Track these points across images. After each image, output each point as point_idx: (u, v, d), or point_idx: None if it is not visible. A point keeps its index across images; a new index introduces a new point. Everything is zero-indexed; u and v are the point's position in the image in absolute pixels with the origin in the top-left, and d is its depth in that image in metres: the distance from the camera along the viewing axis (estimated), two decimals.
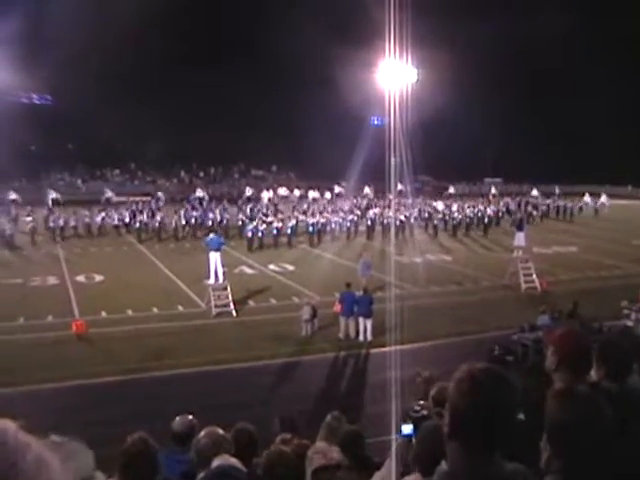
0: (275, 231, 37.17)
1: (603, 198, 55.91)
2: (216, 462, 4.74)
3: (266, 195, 49.20)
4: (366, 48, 46.08)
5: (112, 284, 26.43)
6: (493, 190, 54.30)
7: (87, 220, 39.45)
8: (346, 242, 38.34)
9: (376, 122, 56.97)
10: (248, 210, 41.76)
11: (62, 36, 46.92)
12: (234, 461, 4.80)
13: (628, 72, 62.73)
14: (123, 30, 53.40)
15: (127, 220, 39.58)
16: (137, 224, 38.46)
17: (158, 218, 38.79)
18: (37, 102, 66.50)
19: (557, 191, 60.72)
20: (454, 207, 45.85)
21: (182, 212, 40.61)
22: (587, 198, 55.51)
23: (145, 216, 39.42)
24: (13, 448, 1.06)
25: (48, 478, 1.11)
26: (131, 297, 23.88)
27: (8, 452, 1.05)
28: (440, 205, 45.23)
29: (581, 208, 53.35)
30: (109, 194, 53.49)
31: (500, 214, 46.47)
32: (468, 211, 44.25)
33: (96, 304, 22.73)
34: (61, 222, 37.71)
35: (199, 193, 54.00)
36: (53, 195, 49.67)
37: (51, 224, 37.49)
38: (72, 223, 38.42)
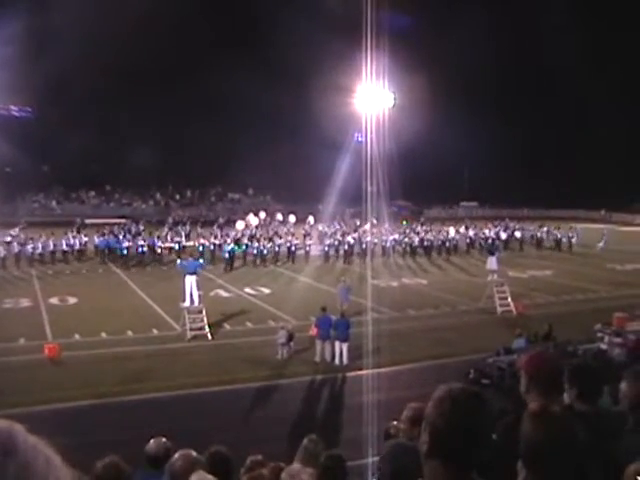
0: (255, 251, 38.16)
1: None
2: (194, 479, 4.71)
3: (254, 220, 49.00)
4: (344, 73, 46.58)
5: (86, 307, 26.15)
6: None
7: (57, 244, 37.60)
8: (324, 266, 38.36)
9: (360, 139, 56.79)
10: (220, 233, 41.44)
11: (41, 54, 46.92)
12: (210, 478, 4.77)
13: (610, 100, 63.84)
14: (100, 51, 53.58)
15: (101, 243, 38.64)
16: (104, 247, 38.04)
17: (127, 244, 37.98)
18: (17, 115, 64.87)
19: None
20: (470, 231, 47.36)
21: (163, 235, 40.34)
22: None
23: (126, 240, 38.44)
24: (24, 450, 1.09)
25: (57, 477, 1.14)
26: (105, 320, 23.62)
27: (20, 454, 1.08)
28: (452, 231, 45.52)
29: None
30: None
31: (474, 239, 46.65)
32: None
33: (70, 327, 22.47)
34: (29, 248, 36.21)
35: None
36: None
37: (15, 249, 35.96)
38: (39, 249, 36.64)
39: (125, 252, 37.50)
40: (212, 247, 38.75)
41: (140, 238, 39.07)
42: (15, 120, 62.73)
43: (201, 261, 27.46)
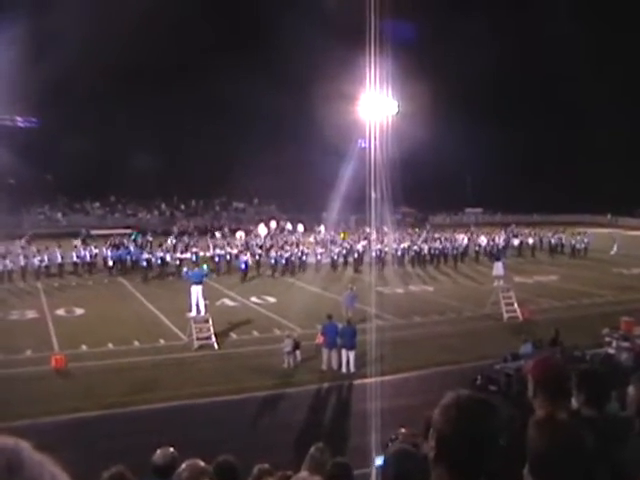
0: (273, 261, 38.18)
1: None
2: None
3: (264, 230, 48.94)
4: (347, 80, 46.59)
5: (93, 317, 26.17)
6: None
7: (65, 256, 37.19)
8: (332, 274, 38.29)
9: (363, 145, 56.75)
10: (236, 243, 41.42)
11: (43, 62, 47.00)
12: None
13: (613, 102, 63.63)
14: (103, 59, 53.70)
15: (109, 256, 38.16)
16: (110, 259, 37.61)
17: (146, 255, 37.38)
18: (21, 125, 64.46)
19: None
20: (482, 238, 46.88)
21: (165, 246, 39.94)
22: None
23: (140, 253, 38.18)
24: (30, 467, 1.09)
25: None
26: (112, 330, 23.64)
27: (26, 471, 1.08)
28: (461, 238, 45.51)
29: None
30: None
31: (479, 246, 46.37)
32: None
33: (76, 338, 22.49)
34: (36, 261, 35.93)
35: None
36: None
37: (22, 262, 35.70)
38: (46, 261, 36.30)
39: (145, 264, 36.69)
40: (228, 257, 38.69)
41: (159, 249, 38.44)
42: (19, 130, 62.65)
43: (205, 270, 27.21)
